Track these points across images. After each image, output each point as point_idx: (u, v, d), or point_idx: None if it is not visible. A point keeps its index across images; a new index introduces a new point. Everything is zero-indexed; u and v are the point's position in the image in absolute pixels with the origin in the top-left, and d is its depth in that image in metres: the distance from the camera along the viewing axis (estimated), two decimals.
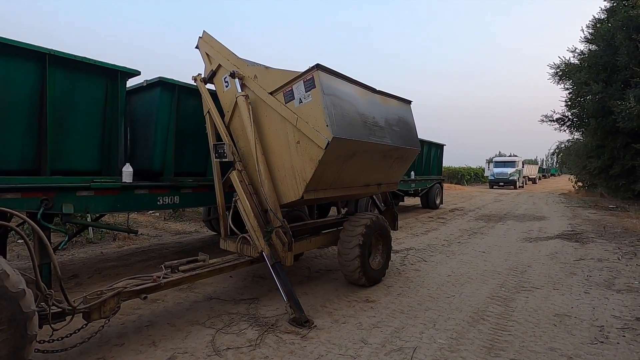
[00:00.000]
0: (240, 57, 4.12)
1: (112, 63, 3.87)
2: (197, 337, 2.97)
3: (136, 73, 4.08)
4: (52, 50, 3.42)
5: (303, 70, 3.46)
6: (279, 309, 3.58)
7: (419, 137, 11.84)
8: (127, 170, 4.11)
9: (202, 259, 3.45)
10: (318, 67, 3.39)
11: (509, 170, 29.18)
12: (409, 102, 4.95)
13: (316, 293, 4.08)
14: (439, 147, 13.43)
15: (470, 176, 36.76)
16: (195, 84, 4.47)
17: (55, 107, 3.53)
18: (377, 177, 4.50)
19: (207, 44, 4.56)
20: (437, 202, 13.20)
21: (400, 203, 14.25)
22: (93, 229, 6.72)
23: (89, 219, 6.59)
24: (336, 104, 3.46)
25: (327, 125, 3.25)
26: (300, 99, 3.46)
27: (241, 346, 2.84)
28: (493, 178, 29.93)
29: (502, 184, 29.25)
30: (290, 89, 3.55)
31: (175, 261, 3.26)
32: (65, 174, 3.70)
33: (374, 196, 5.76)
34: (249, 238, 3.66)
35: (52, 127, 3.53)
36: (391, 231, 5.51)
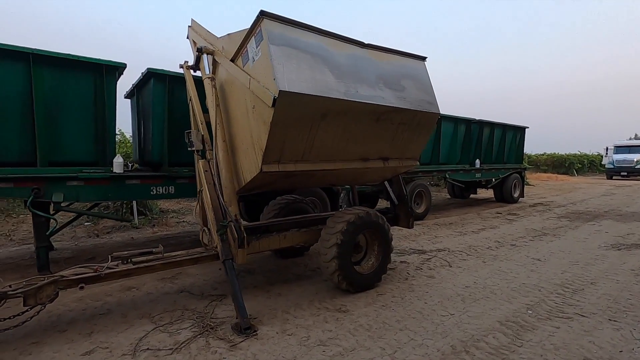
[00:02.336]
0: None
1: (97, 58, 4.02)
2: (132, 333, 2.87)
3: (121, 66, 4.18)
4: (35, 49, 3.67)
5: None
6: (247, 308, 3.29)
7: (503, 122, 10.18)
8: (118, 161, 4.27)
9: (157, 251, 3.35)
10: (263, 14, 2.89)
11: (636, 156, 23.44)
12: (423, 58, 4.05)
13: (291, 295, 3.67)
14: (518, 131, 11.34)
15: (582, 165, 30.78)
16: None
17: (45, 103, 3.80)
18: (377, 149, 3.72)
19: (194, 32, 4.44)
20: (515, 195, 11.21)
21: (472, 195, 12.64)
22: (138, 215, 7.39)
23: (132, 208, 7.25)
24: (290, 54, 2.92)
25: (273, 79, 2.74)
26: (253, 57, 3.06)
27: (162, 348, 2.63)
28: (612, 167, 24.46)
29: (624, 173, 23.68)
30: (245, 49, 3.17)
31: (126, 252, 3.22)
32: (61, 165, 3.99)
33: (386, 184, 4.97)
34: (207, 231, 3.45)
35: (43, 122, 3.81)
36: (407, 229, 4.77)
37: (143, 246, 5.81)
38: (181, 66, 4.40)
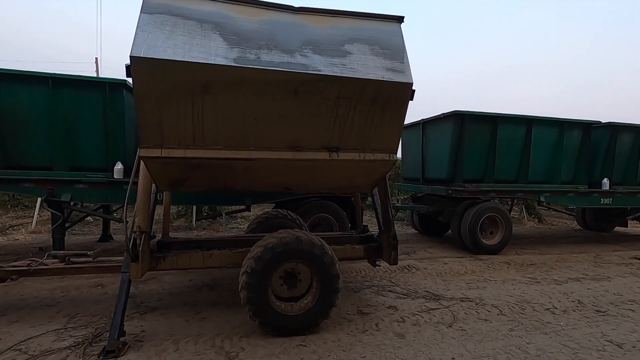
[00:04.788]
0: None
1: (103, 77, 4.56)
2: (38, 329, 3.01)
3: (122, 82, 4.63)
4: (54, 74, 4.42)
5: None
6: (151, 327, 3.11)
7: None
8: (117, 167, 4.71)
9: (90, 254, 3.47)
10: None
11: None
12: (398, 19, 2.99)
13: (210, 323, 3.23)
14: None
15: None
16: None
17: (64, 117, 4.53)
18: (313, 135, 2.86)
19: None
20: None
21: (618, 228, 9.16)
22: (196, 218, 8.13)
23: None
24: (166, 22, 2.53)
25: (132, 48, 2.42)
26: None
27: (27, 352, 2.66)
28: None
29: None
30: None
31: (62, 252, 3.45)
32: (78, 170, 4.68)
33: (375, 201, 3.91)
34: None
35: (62, 133, 4.53)
36: (390, 264, 3.68)
37: None
38: None
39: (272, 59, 2.60)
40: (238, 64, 2.51)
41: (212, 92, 2.57)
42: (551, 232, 9.08)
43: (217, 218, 8.44)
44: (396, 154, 3.11)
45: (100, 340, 2.86)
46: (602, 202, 6.88)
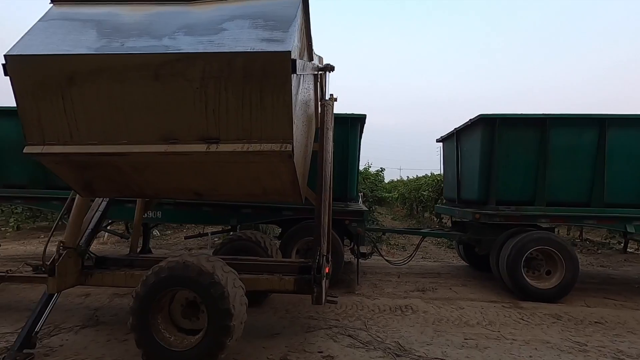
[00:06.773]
0: None
1: None
2: None
3: None
4: None
5: None
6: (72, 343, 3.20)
7: None
8: None
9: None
10: (52, 2, 2.83)
11: None
12: None
13: (123, 348, 3.12)
14: None
15: None
16: None
17: None
18: (186, 124, 2.55)
19: None
20: None
21: None
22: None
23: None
24: (52, 25, 2.67)
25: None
26: None
27: None
28: None
29: None
30: None
31: (35, 262, 3.84)
32: None
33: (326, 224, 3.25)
34: None
35: None
36: (312, 299, 3.05)
37: None
38: None
39: (135, 45, 2.49)
40: (95, 52, 2.45)
41: (77, 84, 2.53)
42: None
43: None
44: (292, 143, 2.51)
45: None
46: None
